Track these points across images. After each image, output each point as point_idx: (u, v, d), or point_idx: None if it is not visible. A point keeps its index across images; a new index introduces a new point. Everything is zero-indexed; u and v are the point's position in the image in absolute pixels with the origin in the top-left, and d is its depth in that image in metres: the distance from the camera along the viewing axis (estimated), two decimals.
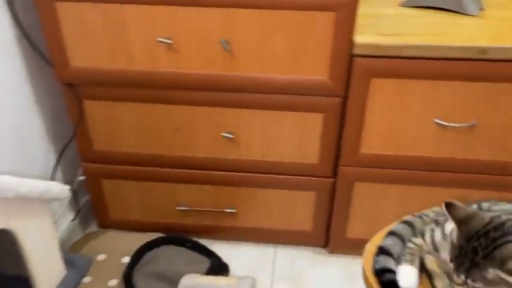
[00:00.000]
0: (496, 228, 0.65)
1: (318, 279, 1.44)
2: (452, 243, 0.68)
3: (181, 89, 1.21)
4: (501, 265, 0.60)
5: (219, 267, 1.35)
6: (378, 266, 0.79)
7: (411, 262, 0.77)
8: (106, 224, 1.53)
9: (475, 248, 0.64)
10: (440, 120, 1.15)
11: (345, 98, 1.18)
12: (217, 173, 1.37)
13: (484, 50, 1.05)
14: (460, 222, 0.68)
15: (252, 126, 1.26)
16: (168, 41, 1.12)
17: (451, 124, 1.15)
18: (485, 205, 0.82)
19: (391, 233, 0.84)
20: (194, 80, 1.18)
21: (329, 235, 1.46)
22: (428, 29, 1.14)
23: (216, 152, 1.33)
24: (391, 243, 0.82)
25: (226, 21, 1.08)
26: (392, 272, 0.78)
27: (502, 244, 0.63)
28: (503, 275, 0.59)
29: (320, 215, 1.42)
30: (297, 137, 1.27)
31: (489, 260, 0.62)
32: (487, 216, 0.69)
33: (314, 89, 1.17)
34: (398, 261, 0.79)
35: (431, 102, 1.14)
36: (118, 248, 1.42)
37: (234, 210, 1.44)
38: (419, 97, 1.13)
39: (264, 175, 1.36)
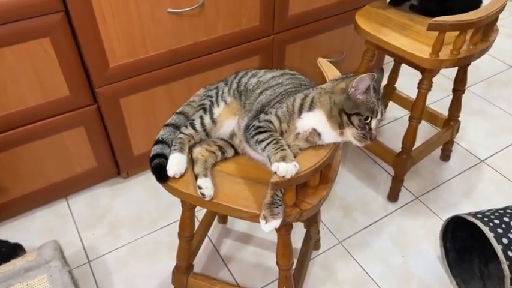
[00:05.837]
0: None
1: (124, 206, 1.40)
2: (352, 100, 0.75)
3: None
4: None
5: (10, 252, 1.15)
6: (151, 154, 0.84)
7: (180, 150, 0.83)
8: None
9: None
10: (173, 9, 1.15)
11: (66, 12, 1.03)
12: None
13: None
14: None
15: None
16: None
17: (183, 10, 1.16)
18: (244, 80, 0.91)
19: (166, 125, 0.89)
20: None
21: (117, 161, 1.39)
22: None
23: None
24: (165, 133, 0.87)
25: None
26: (164, 156, 0.83)
27: None
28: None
29: (99, 146, 1.32)
30: (32, 74, 1.08)
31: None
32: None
33: (30, 11, 0.98)
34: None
35: None
36: None
37: None
38: None
39: (13, 131, 1.14)
